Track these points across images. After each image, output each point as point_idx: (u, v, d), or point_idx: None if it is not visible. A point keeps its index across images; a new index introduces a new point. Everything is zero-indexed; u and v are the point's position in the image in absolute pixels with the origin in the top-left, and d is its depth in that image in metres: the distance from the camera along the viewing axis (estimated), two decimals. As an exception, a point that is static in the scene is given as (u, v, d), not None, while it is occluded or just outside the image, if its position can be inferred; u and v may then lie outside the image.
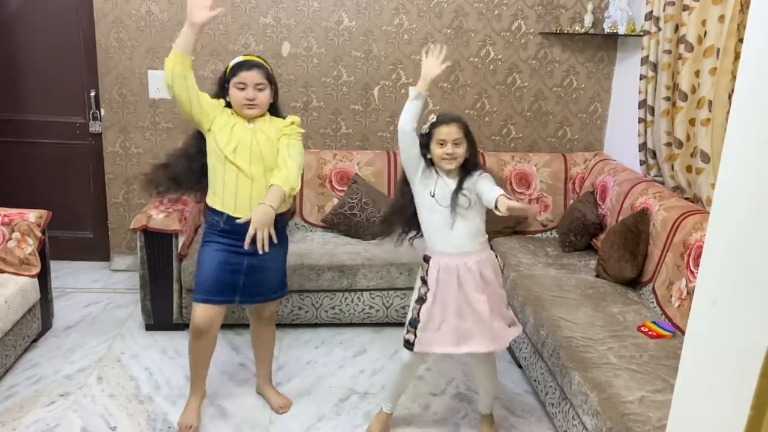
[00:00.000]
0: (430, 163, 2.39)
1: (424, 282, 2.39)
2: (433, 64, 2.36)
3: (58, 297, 3.64)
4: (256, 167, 2.40)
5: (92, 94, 3.93)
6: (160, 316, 3.32)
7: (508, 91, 4.04)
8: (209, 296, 2.46)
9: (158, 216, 3.21)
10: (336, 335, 3.41)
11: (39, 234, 3.10)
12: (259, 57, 2.49)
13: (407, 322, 2.42)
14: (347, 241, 3.60)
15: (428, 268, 2.37)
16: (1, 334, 2.74)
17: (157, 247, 3.20)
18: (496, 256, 2.47)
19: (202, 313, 2.45)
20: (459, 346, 2.36)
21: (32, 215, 3.10)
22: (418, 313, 2.37)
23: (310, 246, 3.49)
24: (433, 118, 2.37)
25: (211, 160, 2.44)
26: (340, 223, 3.68)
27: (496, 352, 2.51)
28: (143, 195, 3.94)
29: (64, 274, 4.01)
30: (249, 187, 2.40)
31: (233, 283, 2.47)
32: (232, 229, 2.40)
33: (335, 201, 3.77)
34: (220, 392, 2.86)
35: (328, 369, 3.11)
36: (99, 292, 3.83)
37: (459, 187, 2.32)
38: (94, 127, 3.99)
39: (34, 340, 3.18)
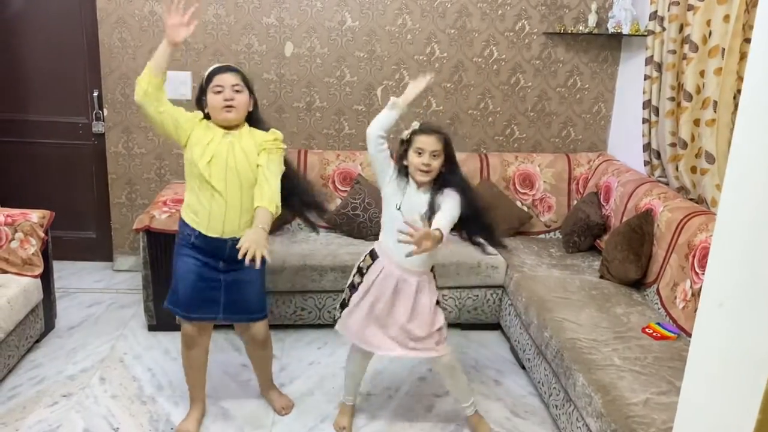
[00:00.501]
0: (405, 171, 2.37)
1: (361, 273, 2.45)
2: (415, 87, 2.39)
3: (61, 297, 3.64)
4: (231, 185, 2.34)
5: (95, 94, 3.93)
6: (163, 316, 3.31)
7: (511, 91, 4.03)
8: (190, 314, 2.45)
9: (161, 216, 3.20)
10: (338, 336, 3.38)
11: (42, 234, 3.10)
12: (233, 65, 2.49)
13: (339, 304, 2.53)
14: (350, 242, 3.59)
15: (371, 264, 2.43)
16: (4, 335, 2.73)
17: (160, 248, 3.19)
18: (436, 286, 2.50)
19: (188, 325, 2.48)
20: (370, 345, 2.46)
21: (35, 215, 3.10)
22: (348, 299, 2.47)
23: (312, 246, 3.48)
24: (415, 125, 2.35)
25: (187, 174, 2.41)
26: (342, 224, 3.67)
27: (448, 354, 2.51)
28: (146, 195, 3.95)
29: (67, 274, 4.01)
30: (223, 208, 2.35)
31: (213, 299, 2.44)
32: (202, 245, 2.39)
33: (338, 201, 3.76)
34: (222, 393, 2.85)
35: (331, 370, 3.10)
36: (102, 293, 3.83)
37: (431, 209, 2.31)
38: (97, 128, 3.98)
39: (37, 341, 3.18)
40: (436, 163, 2.31)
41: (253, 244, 2.12)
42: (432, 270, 2.50)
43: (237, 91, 2.36)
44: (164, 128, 2.35)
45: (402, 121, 2.48)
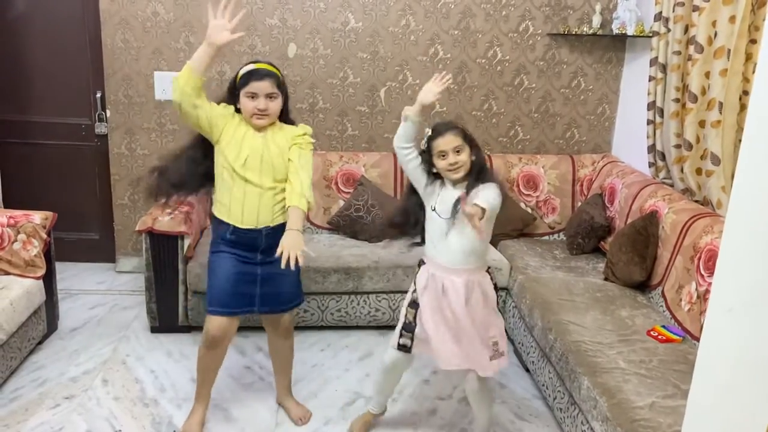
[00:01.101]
0: (437, 175, 2.33)
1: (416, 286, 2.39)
2: (429, 90, 2.28)
3: (64, 299, 3.64)
4: (265, 178, 2.36)
5: (98, 95, 3.93)
6: (166, 318, 3.31)
7: (515, 92, 4.02)
8: (228, 308, 2.42)
9: (164, 218, 3.19)
10: (342, 338, 3.39)
11: (44, 236, 3.09)
12: (270, 64, 2.42)
13: (400, 327, 2.40)
14: (353, 243, 3.58)
15: (418, 272, 2.38)
16: (7, 337, 2.73)
17: (163, 249, 3.18)
18: (495, 286, 2.38)
19: (218, 324, 2.42)
20: (445, 360, 2.31)
21: (38, 217, 3.09)
22: (414, 318, 2.35)
23: (316, 248, 3.47)
24: (428, 132, 2.31)
25: (218, 171, 2.40)
26: (346, 225, 3.66)
27: (493, 376, 2.40)
28: (147, 201, 3.94)
29: (70, 275, 4.00)
30: (257, 199, 2.36)
31: (250, 293, 2.45)
32: (238, 240, 2.40)
33: (341, 203, 3.75)
34: (225, 396, 2.84)
35: (334, 372, 3.09)
36: (104, 294, 3.82)
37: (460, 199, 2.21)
38: (100, 129, 3.98)
39: (40, 342, 3.18)
40: (463, 157, 2.25)
41: (289, 248, 2.15)
42: (489, 272, 2.38)
43: (271, 99, 2.34)
44: (199, 124, 2.34)
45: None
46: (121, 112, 3.88)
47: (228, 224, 2.39)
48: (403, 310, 2.41)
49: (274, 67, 2.42)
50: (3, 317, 2.69)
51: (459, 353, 2.28)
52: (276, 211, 2.40)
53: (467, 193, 2.23)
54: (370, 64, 3.89)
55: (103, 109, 3.93)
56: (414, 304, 2.36)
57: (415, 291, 2.38)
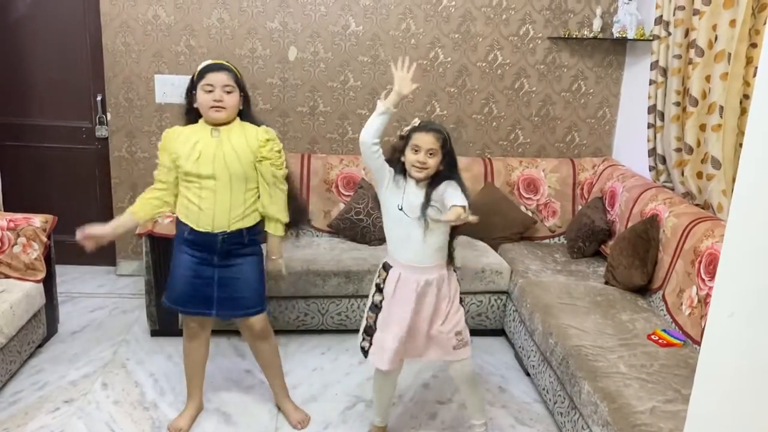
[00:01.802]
0: (402, 169, 2.33)
1: (380, 290, 2.39)
2: (404, 80, 2.29)
3: (64, 302, 3.63)
4: (220, 179, 2.35)
5: (99, 98, 3.93)
6: (166, 321, 3.30)
7: (515, 95, 4.02)
8: (183, 308, 2.52)
9: (164, 221, 3.19)
10: (342, 341, 3.38)
11: (44, 239, 3.09)
12: (228, 62, 2.44)
13: (362, 329, 2.44)
14: (353, 247, 3.58)
15: (386, 277, 2.37)
16: (6, 340, 2.72)
17: (163, 252, 3.18)
18: (458, 278, 2.44)
19: (190, 317, 2.55)
20: (408, 356, 2.41)
21: (38, 220, 3.09)
22: (374, 322, 2.39)
23: (316, 251, 3.47)
24: (416, 122, 2.32)
25: (181, 176, 2.42)
26: (346, 229, 3.65)
27: (467, 361, 2.44)
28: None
29: (70, 278, 4.00)
30: (212, 203, 2.37)
31: (206, 295, 2.46)
32: (195, 240, 2.41)
33: (341, 206, 3.75)
34: (225, 399, 2.84)
35: (335, 376, 3.08)
36: (104, 297, 3.82)
37: (427, 201, 2.25)
38: (101, 132, 3.98)
39: (39, 346, 3.17)
40: (432, 162, 2.25)
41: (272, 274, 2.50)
42: (452, 266, 2.42)
43: (228, 91, 2.35)
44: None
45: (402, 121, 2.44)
46: (121, 115, 3.88)
47: (186, 224, 2.42)
48: (365, 313, 2.45)
49: (233, 65, 2.44)
50: (3, 320, 2.69)
51: (416, 348, 2.39)
52: (233, 218, 2.39)
53: (427, 193, 2.26)
54: (370, 67, 3.90)
55: (104, 112, 3.93)
56: (374, 308, 2.39)
57: (377, 294, 2.40)
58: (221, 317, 2.52)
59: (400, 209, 2.29)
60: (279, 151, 2.44)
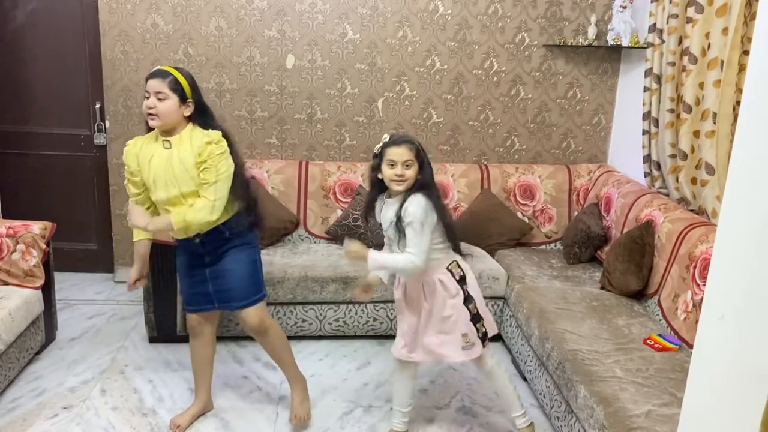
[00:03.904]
0: (380, 185, 2.40)
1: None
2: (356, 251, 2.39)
3: (62, 309, 3.64)
4: (174, 200, 2.40)
5: (97, 106, 3.95)
6: (164, 328, 3.31)
7: (511, 102, 4.05)
8: (190, 306, 2.64)
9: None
10: (340, 347, 3.40)
11: (43, 246, 3.10)
12: (175, 68, 2.40)
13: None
14: (351, 253, 3.59)
15: (396, 284, 2.53)
16: (5, 346, 2.73)
17: (161, 259, 3.19)
18: (462, 279, 2.45)
19: (190, 314, 2.66)
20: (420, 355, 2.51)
21: (37, 227, 3.10)
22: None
23: (314, 258, 3.49)
24: (386, 137, 2.38)
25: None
26: (344, 235, 3.67)
27: (487, 360, 2.52)
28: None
29: (69, 285, 4.01)
30: (175, 213, 2.40)
31: (205, 291, 2.57)
32: (182, 245, 2.54)
33: (339, 212, 3.77)
34: (223, 405, 2.85)
35: (332, 382, 3.09)
36: (103, 304, 3.82)
37: (398, 218, 2.32)
38: (99, 139, 4.00)
39: (38, 352, 3.18)
40: (410, 173, 2.32)
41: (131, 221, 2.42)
42: (449, 269, 2.44)
43: (160, 99, 2.33)
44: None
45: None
46: (120, 123, 3.90)
47: None
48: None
49: (178, 70, 2.40)
50: (1, 327, 2.70)
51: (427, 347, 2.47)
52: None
53: (399, 210, 2.33)
54: (367, 75, 3.92)
55: (102, 119, 3.95)
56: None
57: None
58: (222, 309, 2.64)
59: (380, 224, 2.44)
60: (219, 155, 2.35)
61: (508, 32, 3.93)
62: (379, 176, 2.37)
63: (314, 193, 3.77)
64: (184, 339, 3.30)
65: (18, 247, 3.04)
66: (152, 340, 3.35)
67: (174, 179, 2.36)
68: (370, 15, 3.84)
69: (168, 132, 2.39)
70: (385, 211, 2.40)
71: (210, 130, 2.39)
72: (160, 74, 2.35)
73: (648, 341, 2.64)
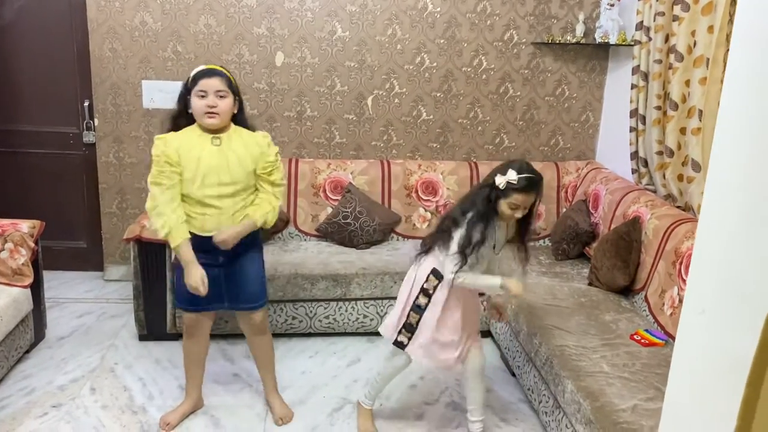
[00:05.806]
0: (495, 210, 2.44)
1: (427, 295, 2.46)
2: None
3: (51, 307, 3.63)
4: (225, 196, 2.40)
5: (86, 104, 3.93)
6: (154, 326, 3.31)
7: (500, 100, 4.07)
8: (195, 306, 2.54)
9: (151, 226, 3.20)
10: (330, 345, 3.41)
11: (32, 244, 3.09)
12: (222, 66, 2.46)
13: (401, 325, 2.50)
14: (341, 250, 3.61)
15: (438, 285, 2.45)
16: (-6, 345, 2.73)
17: (151, 257, 3.19)
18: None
19: (188, 315, 2.61)
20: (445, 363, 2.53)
21: (25, 225, 3.10)
22: (417, 323, 2.47)
23: (303, 255, 3.49)
24: (513, 177, 2.33)
25: (183, 185, 2.41)
26: (334, 233, 3.68)
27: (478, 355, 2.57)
28: (137, 205, 3.95)
29: (58, 284, 4.00)
30: (217, 216, 2.41)
31: (217, 292, 2.51)
32: (199, 246, 2.42)
33: (329, 210, 3.77)
34: (213, 402, 2.85)
35: (322, 379, 3.10)
36: (92, 303, 3.82)
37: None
38: (88, 137, 3.99)
39: (27, 351, 3.17)
40: (519, 214, 2.41)
41: (222, 235, 2.38)
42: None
43: (221, 96, 2.36)
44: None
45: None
46: (109, 121, 3.89)
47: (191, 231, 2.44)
48: (407, 309, 2.51)
49: (227, 70, 2.45)
50: (-10, 326, 2.70)
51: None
52: (237, 219, 2.44)
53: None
54: (357, 72, 3.93)
55: (91, 117, 3.94)
56: (418, 309, 2.48)
57: (422, 297, 2.47)
58: (231, 309, 2.61)
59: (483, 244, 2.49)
60: (277, 154, 2.50)
61: (497, 30, 3.95)
62: (490, 199, 2.37)
63: (304, 191, 3.78)
64: (174, 337, 3.32)
65: (6, 246, 3.03)
66: (142, 338, 3.35)
67: (229, 175, 2.38)
68: (359, 12, 3.84)
69: (218, 129, 2.41)
70: (499, 234, 2.49)
71: (256, 130, 2.50)
72: (218, 73, 2.38)
73: (635, 336, 2.67)
